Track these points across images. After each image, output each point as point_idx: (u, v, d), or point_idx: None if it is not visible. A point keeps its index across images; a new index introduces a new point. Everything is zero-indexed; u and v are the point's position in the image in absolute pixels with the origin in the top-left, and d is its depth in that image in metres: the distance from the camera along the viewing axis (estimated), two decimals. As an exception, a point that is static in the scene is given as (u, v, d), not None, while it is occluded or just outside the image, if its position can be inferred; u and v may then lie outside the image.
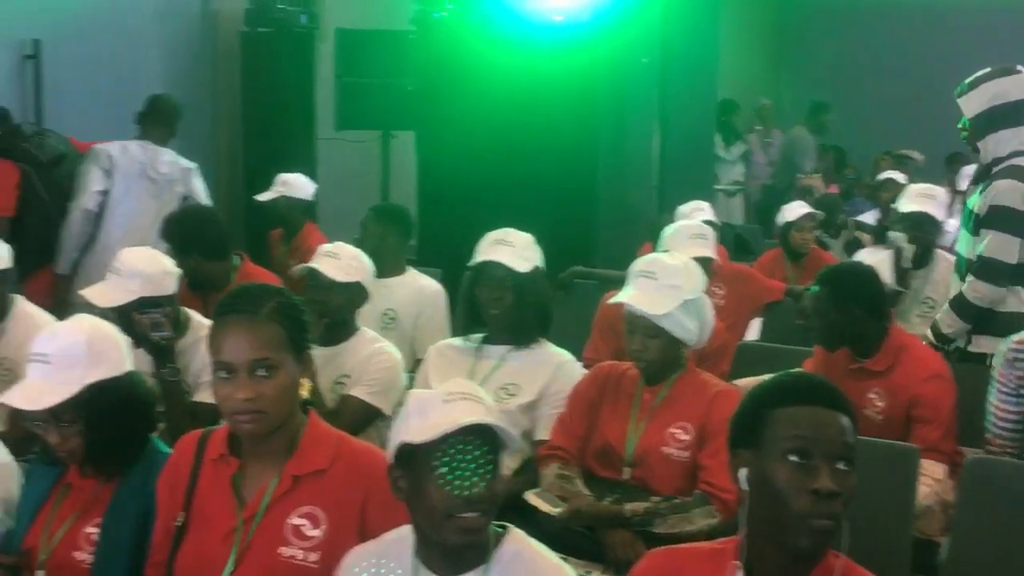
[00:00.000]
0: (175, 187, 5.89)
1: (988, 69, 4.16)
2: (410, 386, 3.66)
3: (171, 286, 3.64)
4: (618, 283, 3.64)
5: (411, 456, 2.05)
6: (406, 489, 2.09)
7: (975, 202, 4.15)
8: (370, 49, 7.62)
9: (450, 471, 2.01)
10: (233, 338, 2.29)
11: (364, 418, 3.60)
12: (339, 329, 3.71)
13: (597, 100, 6.40)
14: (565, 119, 6.26)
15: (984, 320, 4.11)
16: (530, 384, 3.55)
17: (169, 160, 5.90)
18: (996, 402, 3.46)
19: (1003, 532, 3.11)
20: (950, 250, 5.02)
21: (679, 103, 7.30)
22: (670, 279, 3.24)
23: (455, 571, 2.09)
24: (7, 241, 3.93)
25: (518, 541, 2.13)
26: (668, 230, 4.88)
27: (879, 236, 6.69)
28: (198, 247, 4.34)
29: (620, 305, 3.32)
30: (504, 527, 2.14)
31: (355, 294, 3.76)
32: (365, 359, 3.66)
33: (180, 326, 3.65)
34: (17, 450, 2.97)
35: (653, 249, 4.91)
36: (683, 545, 2.18)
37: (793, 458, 1.88)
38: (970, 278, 4.11)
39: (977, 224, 4.13)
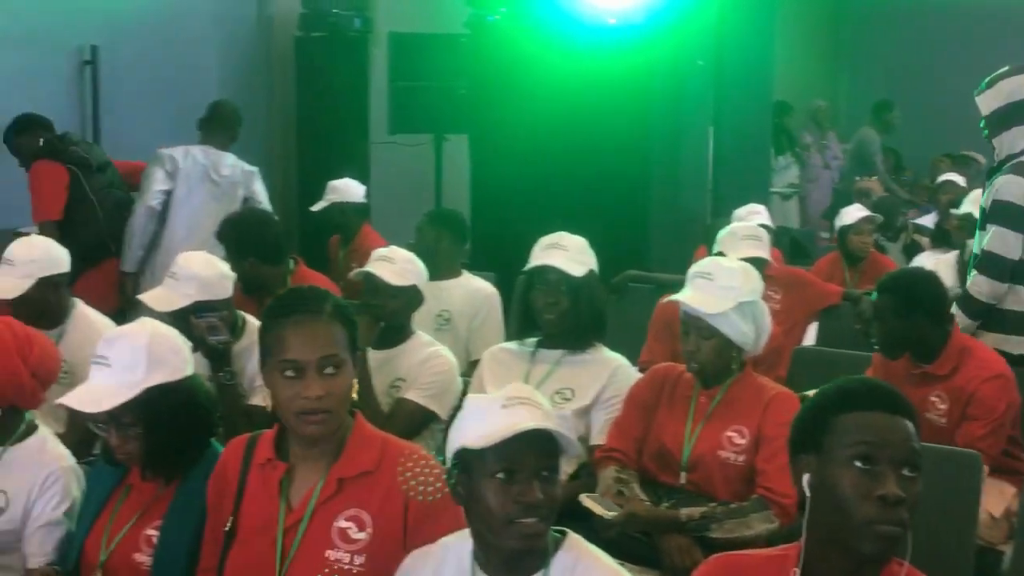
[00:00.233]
0: (237, 190, 5.96)
1: (1006, 68, 4.21)
2: (465, 390, 3.66)
3: (227, 290, 3.66)
4: (673, 287, 3.62)
5: (469, 461, 2.04)
6: (464, 494, 2.08)
7: (985, 198, 4.20)
8: (423, 53, 7.63)
9: (509, 476, 2.00)
10: (301, 336, 2.29)
11: (418, 421, 3.60)
12: (394, 332, 3.72)
13: (651, 103, 6.36)
14: (619, 122, 6.23)
15: (993, 318, 4.09)
16: (585, 389, 3.53)
17: (231, 163, 5.98)
18: None
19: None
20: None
21: (734, 105, 7.25)
22: (727, 280, 3.22)
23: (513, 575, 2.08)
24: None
25: (576, 546, 2.12)
26: (722, 232, 4.86)
27: (937, 239, 6.62)
28: (255, 250, 4.36)
29: (676, 307, 3.30)
30: (562, 532, 2.13)
31: (411, 297, 3.76)
32: (420, 362, 3.66)
33: (236, 330, 3.67)
34: (76, 453, 3.00)
35: (708, 253, 4.88)
36: (743, 551, 2.15)
37: (858, 464, 1.85)
38: (973, 273, 4.14)
39: (983, 220, 4.17)
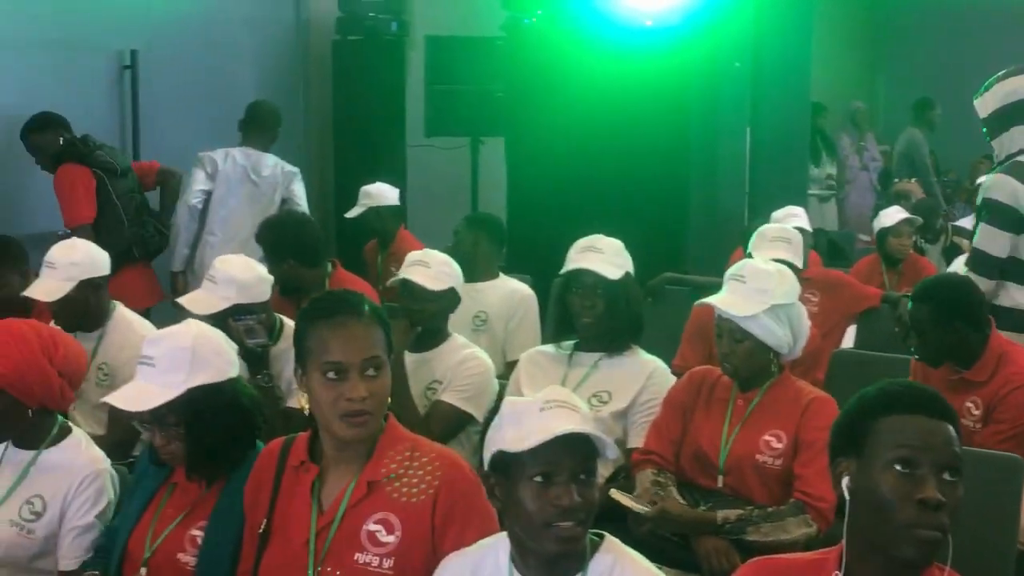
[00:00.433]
0: (275, 191, 5.99)
1: (1004, 70, 4.26)
2: (501, 391, 3.66)
3: (265, 293, 3.68)
4: (709, 289, 3.60)
5: (507, 464, 2.05)
6: (502, 497, 2.08)
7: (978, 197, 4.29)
8: (460, 56, 7.64)
9: (546, 480, 2.00)
10: (344, 338, 2.30)
11: (455, 423, 3.60)
12: (430, 335, 3.72)
13: (688, 105, 6.34)
14: (655, 124, 6.21)
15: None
16: (622, 392, 3.53)
17: (272, 164, 6.02)
18: None
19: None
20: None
21: (771, 107, 7.20)
22: (759, 283, 3.20)
23: (551, 579, 2.08)
24: None
25: (614, 550, 2.12)
26: (755, 234, 4.83)
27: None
28: (293, 252, 4.38)
29: (711, 311, 3.29)
30: (600, 536, 2.13)
31: (448, 300, 3.77)
32: (456, 364, 3.66)
33: (274, 332, 3.69)
34: (115, 454, 3.02)
35: (745, 255, 4.86)
36: (782, 555, 2.14)
37: (899, 467, 1.84)
38: (965, 271, 4.19)
39: (977, 217, 4.26)
